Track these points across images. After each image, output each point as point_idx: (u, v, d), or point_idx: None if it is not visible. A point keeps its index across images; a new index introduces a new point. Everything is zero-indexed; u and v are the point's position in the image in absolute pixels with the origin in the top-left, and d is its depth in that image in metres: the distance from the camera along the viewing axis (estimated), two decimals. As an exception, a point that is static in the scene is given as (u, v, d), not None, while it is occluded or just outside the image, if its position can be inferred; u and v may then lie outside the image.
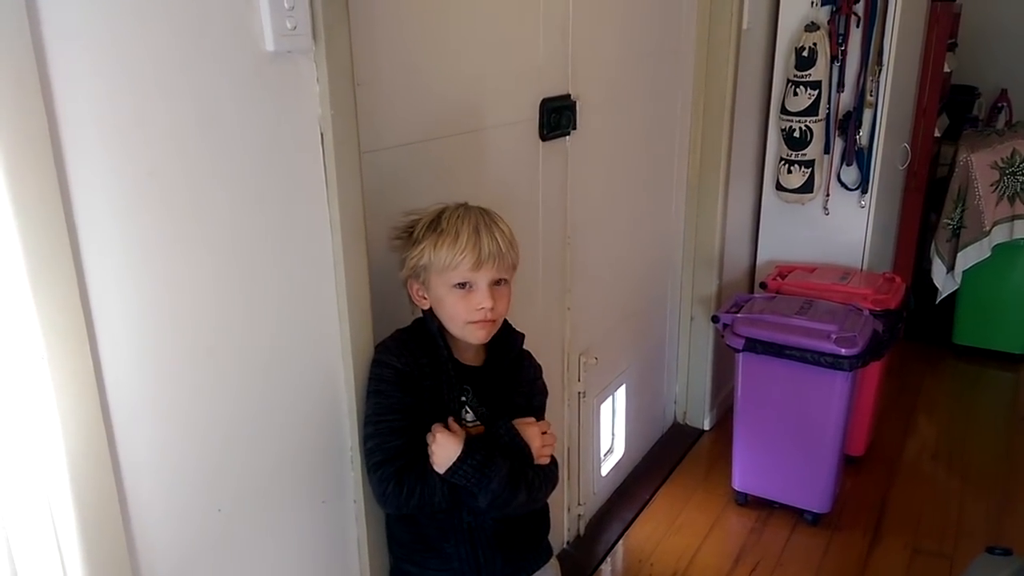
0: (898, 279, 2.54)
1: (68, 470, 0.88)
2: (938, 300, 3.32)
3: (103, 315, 0.90)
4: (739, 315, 2.27)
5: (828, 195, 2.74)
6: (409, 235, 1.26)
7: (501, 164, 1.65)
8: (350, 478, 1.29)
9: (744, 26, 2.48)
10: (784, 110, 2.63)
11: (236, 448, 1.10)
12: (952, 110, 3.65)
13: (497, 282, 1.23)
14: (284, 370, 1.15)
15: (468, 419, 1.28)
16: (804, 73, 2.56)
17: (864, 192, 2.70)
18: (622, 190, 2.23)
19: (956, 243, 3.22)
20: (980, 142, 3.25)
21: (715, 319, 2.36)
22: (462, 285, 1.21)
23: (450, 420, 1.24)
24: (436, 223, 1.23)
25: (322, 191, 1.15)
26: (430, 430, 1.22)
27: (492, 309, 1.22)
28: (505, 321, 1.31)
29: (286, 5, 1.03)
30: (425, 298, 1.26)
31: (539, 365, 1.40)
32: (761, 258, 2.94)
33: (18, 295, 0.81)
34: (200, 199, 0.99)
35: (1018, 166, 3.12)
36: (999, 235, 3.17)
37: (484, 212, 1.25)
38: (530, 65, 1.69)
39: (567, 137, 1.85)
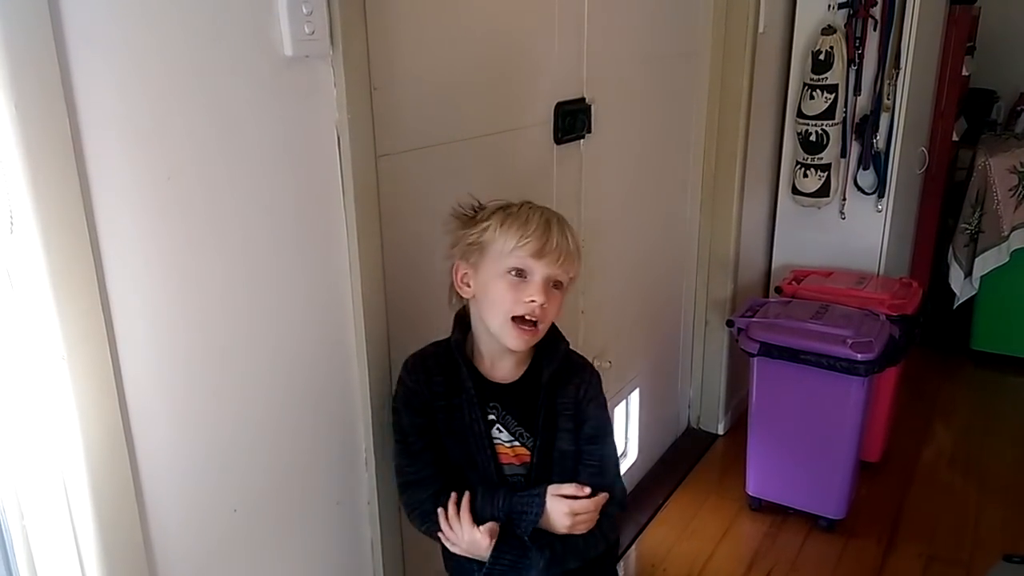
0: (915, 284, 2.52)
1: (87, 469, 0.89)
2: (956, 305, 3.29)
3: (122, 316, 0.91)
4: (754, 319, 2.26)
5: (844, 199, 2.72)
6: (472, 216, 1.20)
7: (516, 167, 1.65)
8: (364, 480, 1.30)
9: (760, 29, 2.47)
10: (800, 114, 2.62)
11: (251, 449, 1.11)
12: (970, 114, 3.62)
13: (554, 284, 1.15)
14: (299, 372, 1.16)
15: (503, 439, 1.21)
16: (820, 77, 2.54)
17: (881, 196, 2.68)
18: (636, 193, 2.23)
19: (974, 248, 3.19)
20: (998, 146, 3.22)
21: (730, 323, 2.35)
22: (518, 273, 1.12)
23: (464, 515, 1.15)
24: (506, 207, 1.18)
25: (338, 194, 1.16)
26: (451, 505, 1.15)
27: (541, 307, 1.12)
28: (553, 325, 1.20)
29: (304, 10, 1.04)
30: (469, 285, 1.18)
31: (594, 380, 1.25)
32: (776, 262, 2.93)
33: (39, 296, 0.82)
34: (217, 202, 1.00)
35: (1038, 171, 3.09)
36: (1017, 240, 3.14)
37: (558, 213, 1.19)
38: (545, 69, 1.69)
39: (582, 140, 1.85)
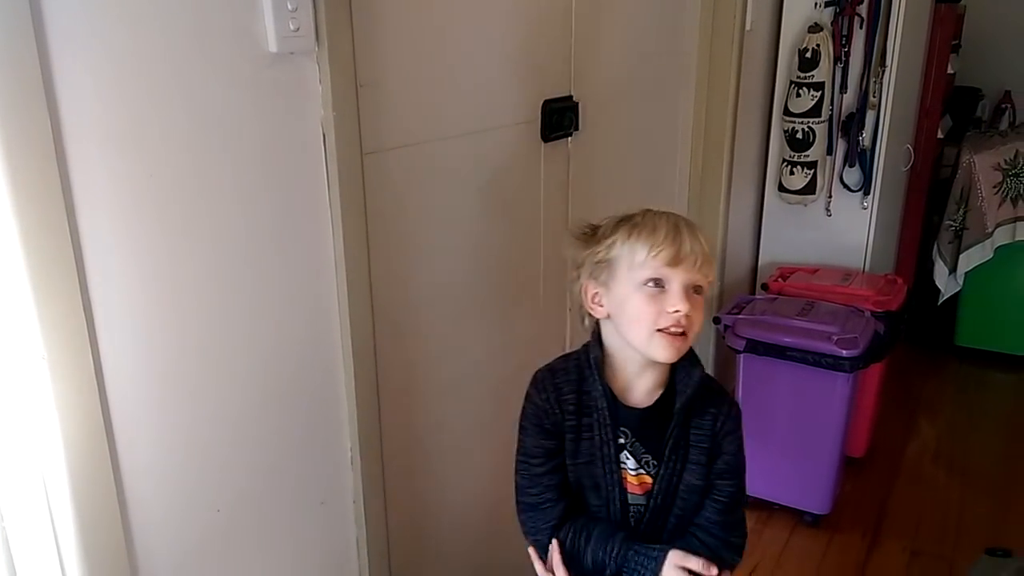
0: (900, 281, 2.54)
1: (67, 470, 0.88)
2: (940, 302, 3.31)
3: (103, 316, 0.90)
4: (740, 316, 2.27)
5: (830, 196, 2.73)
6: (593, 233, 1.14)
7: (503, 165, 1.65)
8: (349, 479, 1.30)
9: (747, 27, 2.47)
10: (787, 111, 2.63)
11: (234, 448, 1.10)
12: (955, 112, 3.65)
13: (695, 289, 1.07)
14: (283, 371, 1.15)
15: (629, 467, 1.13)
16: (807, 74, 2.55)
17: (866, 194, 2.70)
18: (624, 191, 2.23)
19: (958, 245, 3.21)
20: (983, 144, 3.25)
21: (716, 320, 2.36)
22: (655, 283, 1.06)
23: (557, 567, 1.10)
24: (629, 218, 1.11)
25: (323, 192, 1.16)
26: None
27: (686, 316, 1.05)
28: (690, 349, 1.12)
29: (289, 6, 1.03)
30: (601, 305, 1.12)
31: (734, 412, 1.17)
32: (763, 259, 2.94)
33: (19, 295, 0.81)
34: (200, 200, 0.99)
35: (1021, 168, 3.11)
36: (1002, 237, 3.17)
37: (683, 217, 1.12)
38: (532, 66, 1.69)
39: (569, 138, 1.85)
